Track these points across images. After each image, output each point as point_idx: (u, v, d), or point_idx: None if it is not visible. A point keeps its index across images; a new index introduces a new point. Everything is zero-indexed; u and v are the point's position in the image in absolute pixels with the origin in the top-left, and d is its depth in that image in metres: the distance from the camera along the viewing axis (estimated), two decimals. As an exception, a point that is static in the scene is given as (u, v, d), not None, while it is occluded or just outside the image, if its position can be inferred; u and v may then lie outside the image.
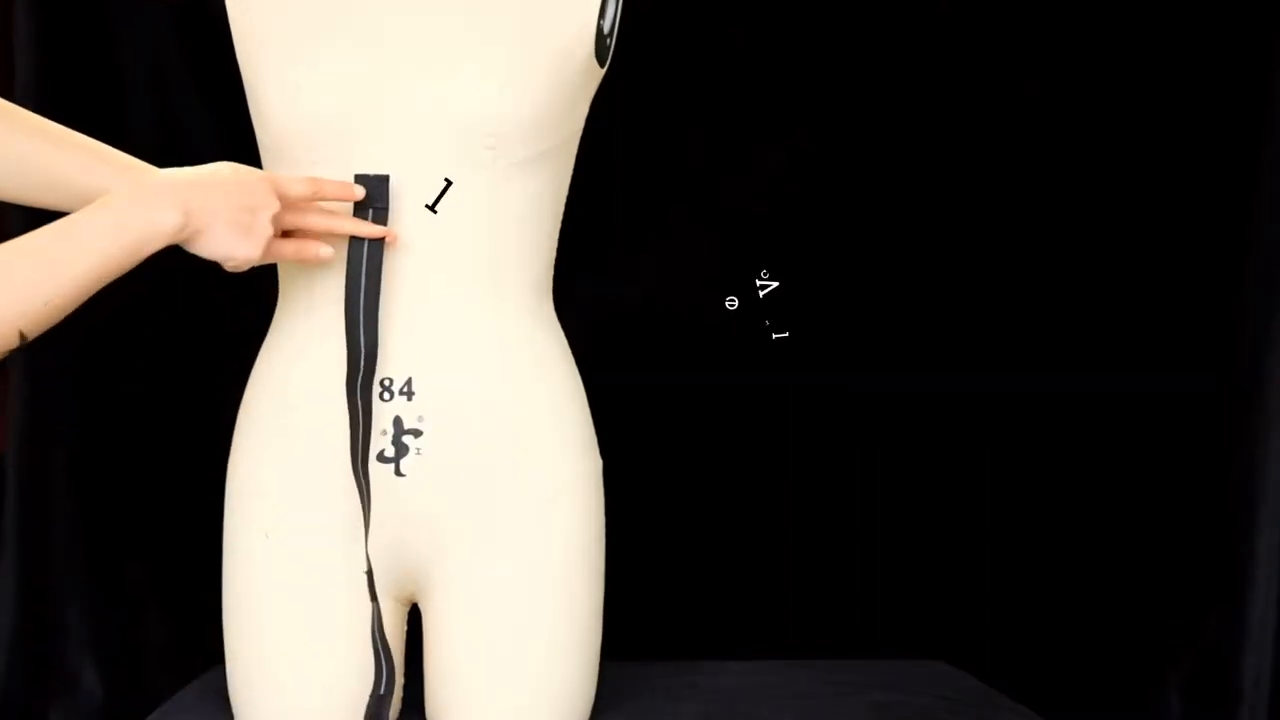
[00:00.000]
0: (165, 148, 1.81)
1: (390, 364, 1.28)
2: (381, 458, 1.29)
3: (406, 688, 1.40)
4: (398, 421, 1.28)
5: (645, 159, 1.86)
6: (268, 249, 1.20)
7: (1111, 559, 1.78)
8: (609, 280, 1.86)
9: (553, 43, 1.32)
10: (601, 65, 1.39)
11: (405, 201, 1.28)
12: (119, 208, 1.13)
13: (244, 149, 1.40)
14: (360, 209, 1.26)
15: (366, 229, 1.25)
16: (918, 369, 1.92)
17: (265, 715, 1.35)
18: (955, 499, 1.93)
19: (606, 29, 1.37)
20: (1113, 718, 1.73)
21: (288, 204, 1.23)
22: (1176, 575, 1.66)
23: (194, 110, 1.80)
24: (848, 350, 1.92)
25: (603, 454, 1.40)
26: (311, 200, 1.25)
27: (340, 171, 1.27)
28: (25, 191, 1.24)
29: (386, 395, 1.28)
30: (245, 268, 1.21)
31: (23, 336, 1.07)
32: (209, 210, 1.16)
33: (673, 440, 1.89)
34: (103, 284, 1.12)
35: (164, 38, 1.79)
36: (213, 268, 1.82)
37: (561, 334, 1.39)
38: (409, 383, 1.29)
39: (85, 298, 1.11)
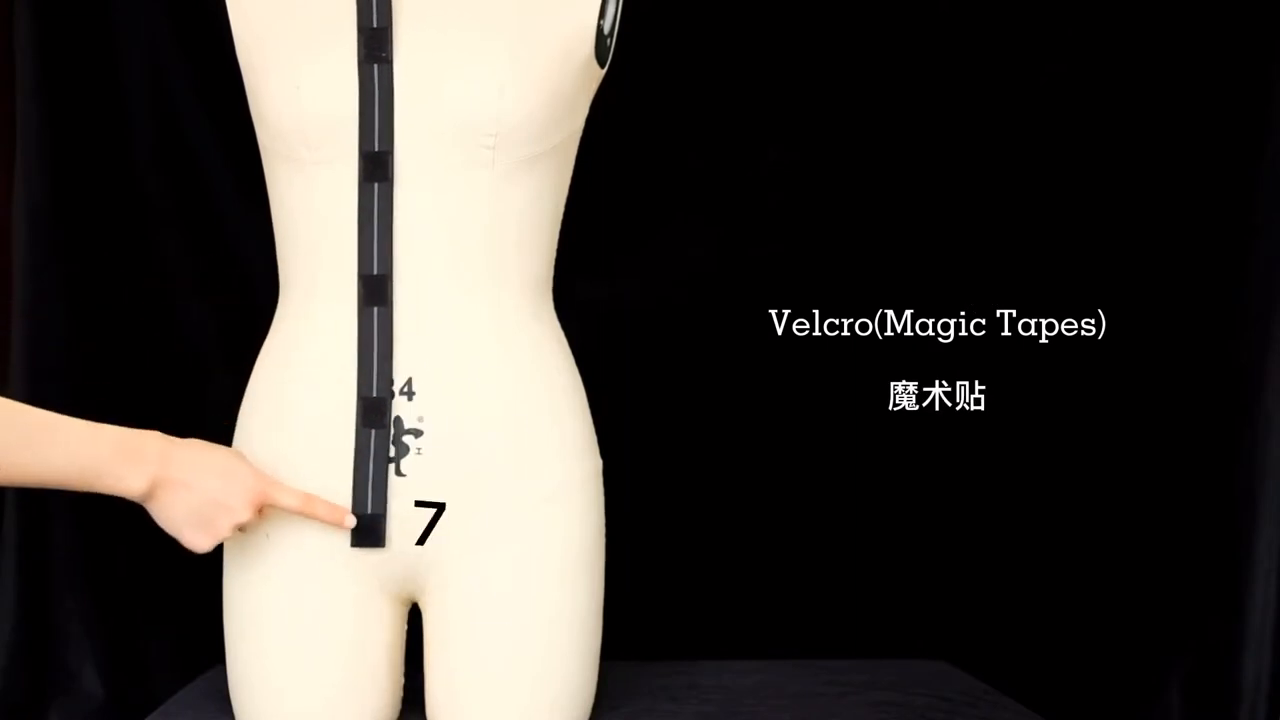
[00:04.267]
0: (165, 147, 1.81)
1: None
2: (382, 458, 1.29)
3: (407, 687, 1.40)
4: (398, 421, 1.28)
5: (645, 159, 1.86)
6: (209, 543, 1.24)
7: (1112, 559, 1.78)
8: (609, 280, 1.86)
9: (553, 43, 1.33)
10: (601, 65, 1.39)
11: (406, 201, 1.28)
12: (99, 452, 1.18)
13: (244, 149, 1.41)
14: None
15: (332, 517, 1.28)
16: (918, 368, 1.92)
17: (265, 715, 1.35)
18: (955, 499, 1.93)
19: (606, 29, 1.38)
20: (1113, 718, 1.73)
21: (265, 513, 1.27)
22: (1176, 575, 1.66)
23: (194, 110, 1.80)
24: (849, 349, 1.92)
25: (603, 454, 1.40)
26: (299, 515, 1.28)
27: (340, 171, 1.27)
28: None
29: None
30: (187, 546, 1.24)
31: None
32: (177, 497, 1.21)
33: (673, 440, 1.89)
34: (48, 487, 1.18)
35: (164, 38, 1.79)
36: (215, 272, 1.83)
37: (561, 334, 1.40)
38: (409, 383, 1.29)
39: (26, 485, 1.17)
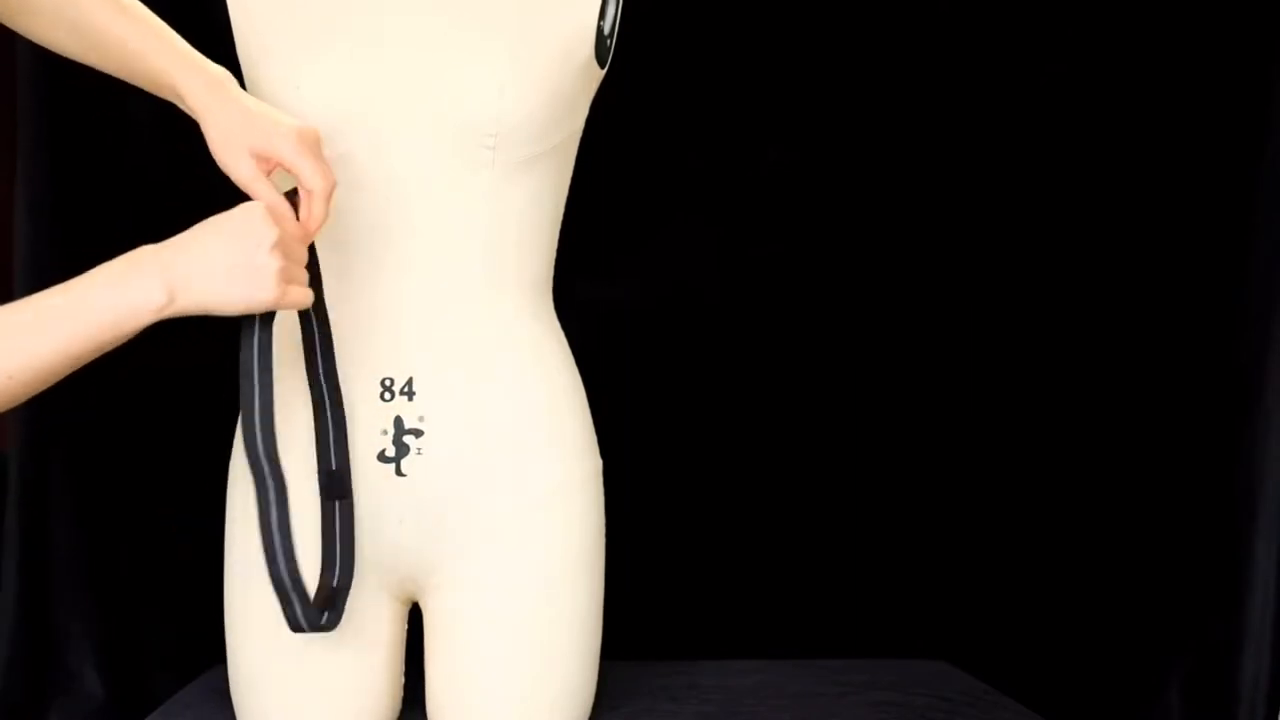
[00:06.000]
0: (165, 146, 1.81)
1: (391, 364, 1.29)
2: (382, 457, 1.29)
3: (407, 686, 1.40)
4: (398, 421, 1.29)
5: (645, 159, 1.86)
6: (285, 289, 1.09)
7: (1112, 559, 1.78)
8: (609, 280, 1.86)
9: (553, 44, 1.33)
10: (601, 66, 1.39)
11: (406, 201, 1.28)
12: (93, 291, 1.04)
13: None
14: None
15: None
16: (919, 368, 1.92)
17: (266, 714, 1.35)
18: (955, 499, 1.93)
19: (606, 30, 1.38)
20: (1113, 718, 1.73)
21: (286, 221, 1.12)
22: (1176, 575, 1.66)
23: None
24: (849, 349, 1.92)
25: (603, 454, 1.40)
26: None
27: (340, 171, 1.27)
28: (88, 52, 1.19)
29: (387, 395, 1.29)
30: (270, 308, 1.10)
31: None
32: (199, 270, 1.06)
33: (673, 440, 1.89)
34: (77, 363, 1.04)
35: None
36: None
37: (561, 334, 1.40)
38: (410, 383, 1.29)
39: (55, 377, 1.03)
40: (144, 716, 1.51)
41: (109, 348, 1.06)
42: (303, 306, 1.14)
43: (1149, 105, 1.76)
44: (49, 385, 1.05)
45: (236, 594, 1.36)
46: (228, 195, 1.79)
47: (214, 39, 1.42)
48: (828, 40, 1.88)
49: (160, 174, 1.82)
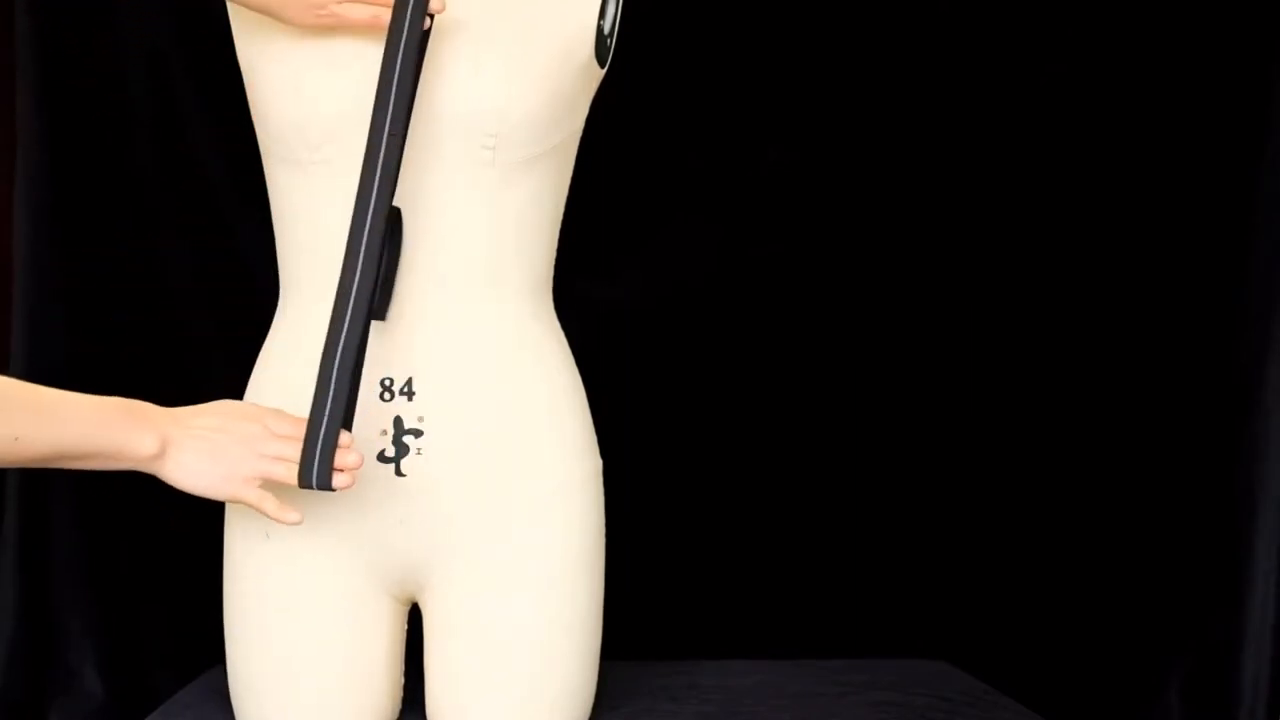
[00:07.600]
0: (166, 147, 1.81)
1: (391, 364, 1.28)
2: (382, 457, 1.29)
3: (407, 686, 1.40)
4: (398, 421, 1.28)
5: (645, 159, 1.86)
6: (238, 486, 1.19)
7: (1112, 559, 1.78)
8: (609, 280, 1.86)
9: (553, 43, 1.33)
10: (601, 66, 1.39)
11: (405, 202, 1.28)
12: (109, 418, 1.15)
13: (245, 148, 1.41)
14: None
15: None
16: (919, 368, 1.92)
17: (265, 715, 1.35)
18: (955, 499, 1.93)
19: (606, 29, 1.38)
20: (1113, 718, 1.73)
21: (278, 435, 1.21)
22: (1176, 575, 1.66)
23: (195, 110, 1.80)
24: (849, 349, 1.92)
25: (603, 454, 1.40)
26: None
27: (340, 170, 1.27)
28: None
29: (387, 395, 1.29)
30: (215, 497, 1.20)
31: None
32: (186, 435, 1.17)
33: (673, 440, 1.89)
34: (63, 464, 1.14)
35: (165, 37, 1.79)
36: (215, 271, 1.83)
37: (561, 334, 1.40)
38: (409, 383, 1.29)
39: (49, 460, 1.13)
40: (144, 716, 1.51)
41: (87, 466, 1.16)
42: (278, 516, 1.20)
43: (1149, 105, 1.76)
44: (41, 465, 1.14)
45: (236, 595, 1.36)
46: (228, 195, 1.81)
47: (215, 40, 1.42)
48: (828, 40, 1.88)
49: (160, 174, 1.82)
